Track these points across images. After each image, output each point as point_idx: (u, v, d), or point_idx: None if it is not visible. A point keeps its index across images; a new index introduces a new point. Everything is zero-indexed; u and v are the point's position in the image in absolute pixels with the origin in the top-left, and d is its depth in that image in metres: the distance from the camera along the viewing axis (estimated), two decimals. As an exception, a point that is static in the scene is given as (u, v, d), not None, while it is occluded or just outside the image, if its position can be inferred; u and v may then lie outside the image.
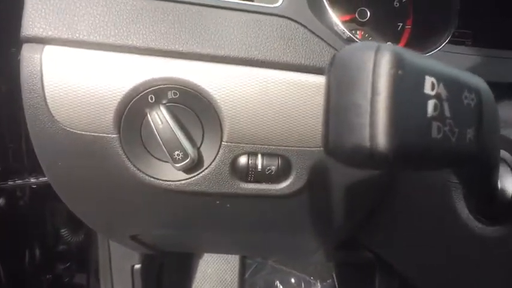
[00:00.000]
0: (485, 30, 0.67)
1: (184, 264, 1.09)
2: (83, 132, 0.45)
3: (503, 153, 0.37)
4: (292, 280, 1.25)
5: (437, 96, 0.19)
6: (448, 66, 0.21)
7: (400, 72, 0.17)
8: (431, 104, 0.18)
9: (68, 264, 1.03)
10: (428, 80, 0.18)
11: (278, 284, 1.22)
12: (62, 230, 0.98)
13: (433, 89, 0.18)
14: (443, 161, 0.21)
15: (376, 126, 0.17)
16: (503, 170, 0.36)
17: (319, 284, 1.24)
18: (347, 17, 0.66)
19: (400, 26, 0.66)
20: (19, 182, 0.82)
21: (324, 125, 0.19)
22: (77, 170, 0.48)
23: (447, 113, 0.19)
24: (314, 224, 0.60)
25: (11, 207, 0.85)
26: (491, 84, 0.54)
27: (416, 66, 0.18)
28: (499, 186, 0.35)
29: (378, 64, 0.17)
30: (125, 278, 0.89)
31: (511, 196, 0.35)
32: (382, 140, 0.17)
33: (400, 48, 0.17)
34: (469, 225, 0.39)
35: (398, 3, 0.66)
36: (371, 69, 0.17)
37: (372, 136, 0.17)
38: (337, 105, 0.18)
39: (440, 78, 0.19)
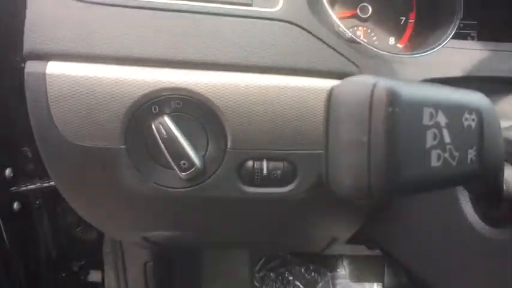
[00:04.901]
0: (491, 21, 0.66)
1: (195, 260, 1.11)
2: (90, 145, 0.45)
3: (507, 155, 0.37)
4: (303, 270, 1.27)
5: (436, 125, 0.19)
6: (447, 89, 0.20)
7: (397, 109, 0.17)
8: (430, 134, 0.18)
9: (83, 262, 1.05)
10: (427, 111, 0.18)
11: (288, 275, 1.24)
12: (76, 230, 1.01)
13: (431, 119, 0.18)
14: (444, 185, 0.21)
15: (373, 165, 0.17)
16: (507, 171, 0.36)
17: (329, 273, 1.25)
18: (348, 13, 0.65)
19: (403, 20, 0.65)
20: (31, 186, 0.83)
21: (323, 160, 0.20)
22: (86, 181, 0.49)
23: (447, 139, 0.19)
24: (322, 223, 0.61)
25: (25, 210, 0.86)
26: (497, 79, 0.54)
27: (414, 100, 0.18)
28: (504, 188, 0.35)
29: (374, 102, 0.17)
30: (138, 275, 0.92)
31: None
32: (379, 180, 0.17)
33: (397, 82, 0.17)
34: (476, 227, 0.39)
35: (400, -3, 0.65)
36: (367, 107, 0.17)
37: (370, 176, 0.17)
38: (335, 142, 0.18)
39: (438, 106, 0.19)
